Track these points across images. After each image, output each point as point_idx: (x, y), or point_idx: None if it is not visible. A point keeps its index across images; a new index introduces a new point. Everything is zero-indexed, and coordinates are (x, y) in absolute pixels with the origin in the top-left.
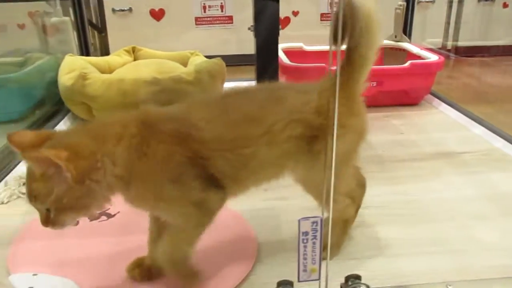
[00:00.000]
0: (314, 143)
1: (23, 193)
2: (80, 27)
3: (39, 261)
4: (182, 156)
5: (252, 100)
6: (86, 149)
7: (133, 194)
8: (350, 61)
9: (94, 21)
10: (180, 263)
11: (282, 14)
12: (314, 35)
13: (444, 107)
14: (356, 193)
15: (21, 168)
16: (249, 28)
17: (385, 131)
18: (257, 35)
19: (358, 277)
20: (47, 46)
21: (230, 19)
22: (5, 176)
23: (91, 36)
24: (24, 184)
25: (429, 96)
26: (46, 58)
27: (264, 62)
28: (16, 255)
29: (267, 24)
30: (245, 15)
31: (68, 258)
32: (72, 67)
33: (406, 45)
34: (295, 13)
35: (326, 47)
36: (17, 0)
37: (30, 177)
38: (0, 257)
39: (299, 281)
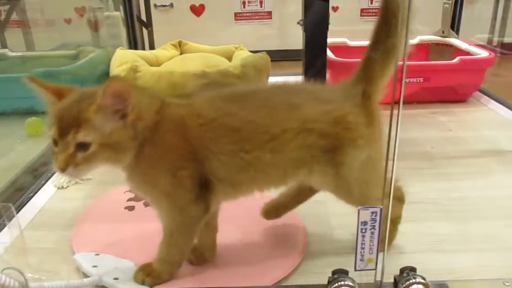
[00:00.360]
0: (334, 153)
1: (81, 179)
2: (129, 22)
3: (99, 242)
4: (184, 150)
5: (264, 103)
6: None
7: (136, 173)
8: (369, 70)
9: (140, 16)
10: (170, 264)
11: None
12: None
13: (493, 104)
14: (399, 192)
15: None
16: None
17: (433, 127)
18: (306, 30)
19: (413, 269)
20: (98, 40)
21: (269, 14)
22: None
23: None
24: None
25: (477, 93)
26: (98, 52)
27: (313, 57)
28: (78, 236)
29: (317, 19)
30: (284, 11)
31: (125, 240)
32: (124, 60)
33: (453, 40)
34: (335, 9)
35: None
36: None
37: (80, 109)
38: (63, 237)
39: (355, 270)
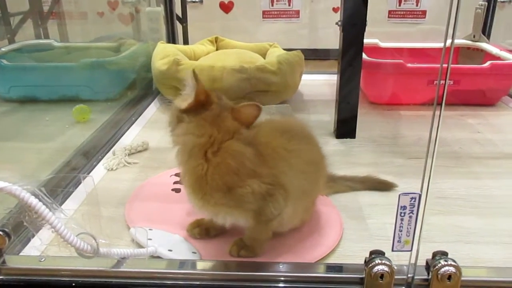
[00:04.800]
0: None
1: (128, 163)
2: (169, 17)
3: (151, 219)
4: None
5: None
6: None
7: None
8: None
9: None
10: (261, 241)
11: None
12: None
13: None
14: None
15: (125, 140)
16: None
17: (461, 129)
18: (344, 30)
19: (445, 253)
20: (139, 34)
21: (297, 13)
22: (112, 146)
23: None
24: (128, 155)
25: (506, 97)
26: (139, 44)
27: (350, 57)
28: (131, 212)
29: (355, 20)
30: (312, 10)
31: (174, 218)
32: (166, 53)
33: (484, 45)
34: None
35: (401, 44)
36: None
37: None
38: (116, 213)
39: (392, 250)
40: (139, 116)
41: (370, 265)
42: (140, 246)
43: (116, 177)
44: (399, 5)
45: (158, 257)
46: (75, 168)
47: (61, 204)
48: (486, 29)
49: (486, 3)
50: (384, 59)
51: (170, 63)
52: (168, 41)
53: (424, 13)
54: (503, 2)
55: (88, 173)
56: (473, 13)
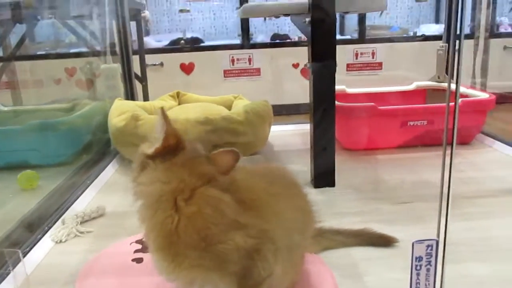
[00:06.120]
0: None
1: (81, 232)
2: (127, 74)
3: None
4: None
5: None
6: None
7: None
8: None
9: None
10: None
11: None
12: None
13: (498, 145)
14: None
15: (77, 207)
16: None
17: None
18: (314, 73)
19: None
20: (95, 93)
21: (258, 71)
22: (62, 214)
23: None
24: (81, 223)
25: (480, 135)
26: (95, 103)
27: (322, 100)
28: None
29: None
30: (271, 66)
31: None
32: (123, 110)
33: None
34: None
35: (368, 89)
36: (72, 57)
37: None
38: None
39: None
40: (95, 178)
41: None
42: None
43: (65, 250)
44: (356, 59)
45: None
46: (15, 243)
47: None
48: (448, 70)
49: (447, 45)
50: (351, 103)
51: (128, 119)
52: (127, 99)
53: (380, 64)
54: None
55: (31, 248)
56: (435, 54)
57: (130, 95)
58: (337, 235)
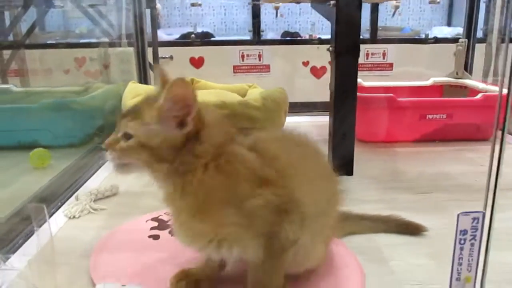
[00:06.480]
0: None
1: (94, 209)
2: (141, 59)
3: (124, 273)
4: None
5: None
6: (214, 122)
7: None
8: None
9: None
10: None
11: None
12: None
13: None
14: None
15: (91, 185)
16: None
17: (463, 163)
18: (337, 55)
19: None
20: (108, 77)
21: (267, 67)
22: (75, 191)
23: None
24: (94, 200)
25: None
26: (109, 86)
27: (344, 85)
28: (98, 266)
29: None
30: (281, 64)
31: (155, 270)
32: (138, 92)
33: (468, 81)
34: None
35: (385, 83)
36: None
37: (144, 102)
38: (78, 268)
39: None
40: (107, 160)
41: None
42: None
43: (78, 225)
44: (367, 59)
45: None
46: (28, 218)
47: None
48: (468, 66)
49: (467, 40)
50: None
51: None
52: (140, 82)
53: (391, 65)
54: None
55: (44, 222)
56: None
57: (144, 81)
58: (363, 220)
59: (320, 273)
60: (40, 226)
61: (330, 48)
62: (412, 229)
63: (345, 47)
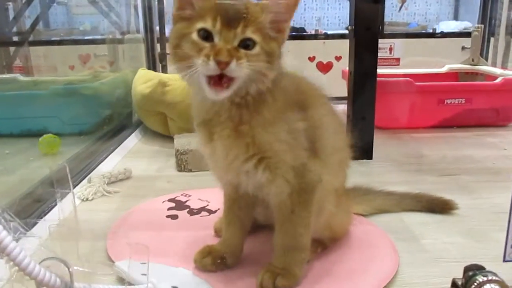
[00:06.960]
0: None
1: (108, 192)
2: (150, 46)
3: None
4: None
5: None
6: None
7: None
8: None
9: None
10: (299, 251)
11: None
12: None
13: None
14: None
15: (103, 168)
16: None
17: (484, 147)
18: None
19: None
20: (117, 65)
21: None
22: (88, 174)
23: None
24: (107, 183)
25: None
26: (118, 74)
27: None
28: (115, 244)
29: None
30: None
31: (175, 249)
32: (148, 77)
33: (484, 68)
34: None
35: (398, 70)
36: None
37: (249, 7)
38: (94, 248)
39: (504, 260)
40: (118, 146)
41: (473, 286)
42: (130, 283)
43: (92, 207)
44: None
45: None
46: (39, 199)
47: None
48: (483, 52)
49: (483, 25)
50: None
51: (155, 85)
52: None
53: (397, 60)
54: None
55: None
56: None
57: (153, 67)
58: (391, 195)
59: (352, 251)
60: (62, 188)
61: (349, 27)
62: (443, 206)
63: (366, 25)
